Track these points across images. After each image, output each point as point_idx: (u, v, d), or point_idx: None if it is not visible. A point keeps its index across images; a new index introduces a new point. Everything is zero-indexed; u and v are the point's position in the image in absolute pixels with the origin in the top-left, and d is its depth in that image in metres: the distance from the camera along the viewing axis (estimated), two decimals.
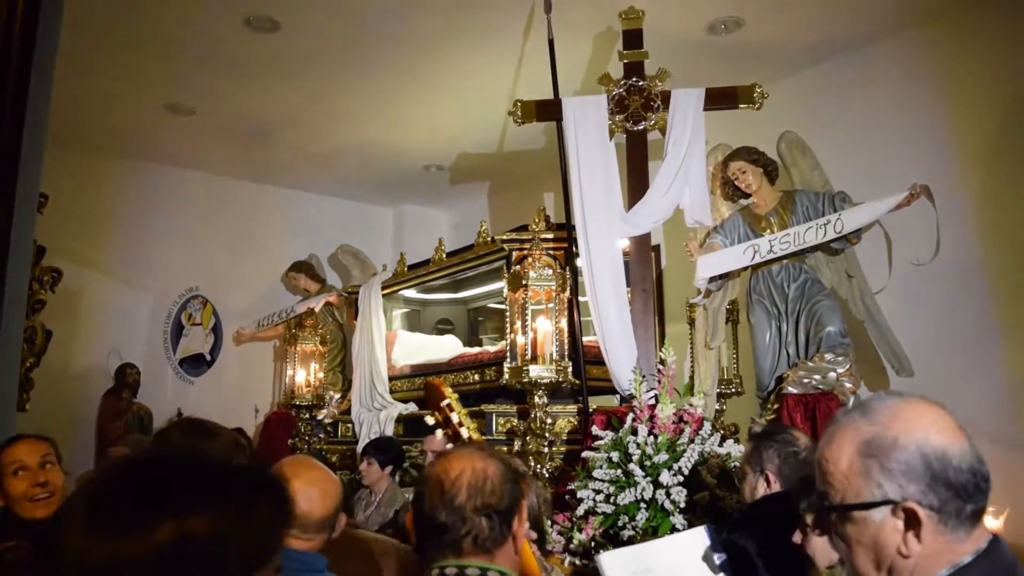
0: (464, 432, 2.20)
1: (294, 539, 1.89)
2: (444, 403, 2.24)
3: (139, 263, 7.77)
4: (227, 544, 0.87)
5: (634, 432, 4.02)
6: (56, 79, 2.21)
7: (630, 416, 4.12)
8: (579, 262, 4.81)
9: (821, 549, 2.03)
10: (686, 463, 3.79)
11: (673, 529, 3.57)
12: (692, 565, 2.06)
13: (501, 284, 5.23)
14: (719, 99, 4.78)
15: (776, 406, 4.46)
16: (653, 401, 4.15)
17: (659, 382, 4.20)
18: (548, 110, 4.90)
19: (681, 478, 3.77)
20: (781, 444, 2.54)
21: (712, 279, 4.86)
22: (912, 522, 1.24)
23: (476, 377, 5.58)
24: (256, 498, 0.92)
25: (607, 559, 2.09)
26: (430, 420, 2.32)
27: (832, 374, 4.38)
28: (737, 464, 3.32)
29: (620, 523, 3.79)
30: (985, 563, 1.25)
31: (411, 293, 7.03)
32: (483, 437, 5.04)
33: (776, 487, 2.49)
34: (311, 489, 1.94)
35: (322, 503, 1.94)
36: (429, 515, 1.68)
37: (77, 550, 0.82)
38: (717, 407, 4.88)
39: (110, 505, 0.86)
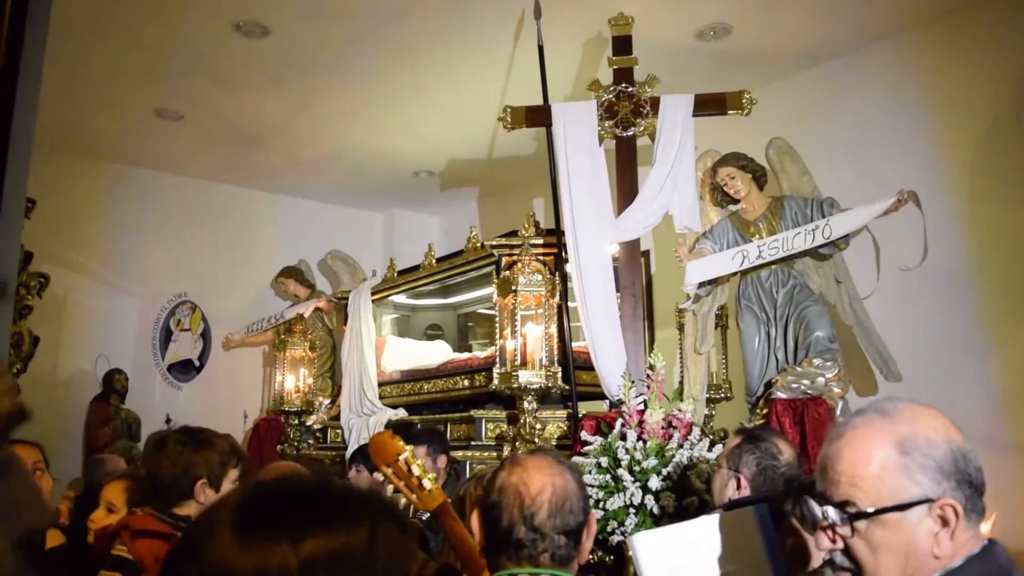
0: (427, 484, 2.10)
1: None
2: (401, 456, 2.10)
3: (127, 268, 7.74)
4: (356, 564, 0.94)
5: (623, 437, 4.02)
6: (43, 83, 2.19)
7: (619, 421, 4.12)
8: (568, 267, 4.81)
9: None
10: (675, 468, 3.80)
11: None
12: (732, 547, 1.99)
13: (491, 290, 5.23)
14: (708, 105, 4.79)
15: (765, 411, 4.47)
16: (642, 406, 4.15)
17: (648, 387, 4.20)
18: (538, 116, 4.90)
19: (670, 483, 3.77)
20: (763, 453, 2.52)
21: (701, 284, 4.86)
22: (947, 520, 1.22)
23: (466, 383, 5.57)
24: (381, 522, 0.98)
25: (640, 540, 2.02)
26: (379, 477, 2.17)
27: (821, 379, 4.39)
28: None
29: (609, 528, 3.79)
30: (977, 566, 1.23)
31: (401, 299, 7.02)
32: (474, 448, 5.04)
33: (745, 492, 2.47)
34: None
35: None
36: (507, 529, 1.68)
37: (226, 563, 0.89)
38: (706, 412, 4.89)
39: (259, 520, 0.93)
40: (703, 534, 1.99)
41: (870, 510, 1.25)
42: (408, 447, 2.11)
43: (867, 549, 1.26)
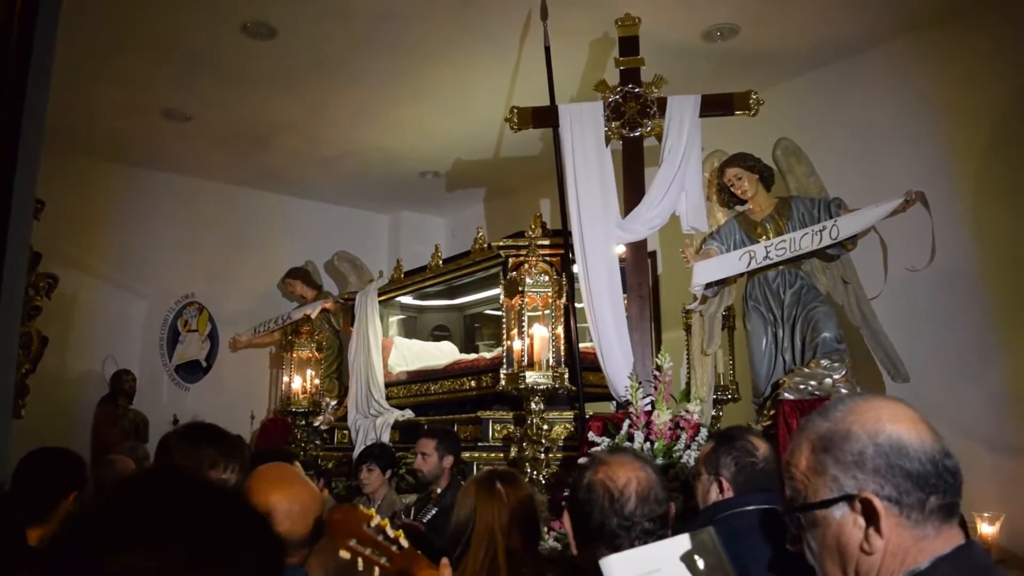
0: (403, 542, 1.93)
1: None
2: (372, 524, 1.91)
3: (135, 269, 7.77)
4: None
5: (630, 438, 4.02)
6: (53, 85, 2.20)
7: (626, 422, 4.12)
8: (575, 268, 4.81)
9: None
10: (682, 469, 3.79)
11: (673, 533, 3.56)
12: (703, 563, 2.00)
13: (497, 290, 5.24)
14: (715, 106, 4.79)
15: (772, 412, 4.45)
16: (649, 407, 4.15)
17: (655, 388, 4.20)
18: (544, 117, 4.91)
19: (677, 484, 3.77)
20: (740, 452, 2.50)
21: (708, 285, 4.85)
22: (871, 515, 1.19)
23: (472, 383, 5.58)
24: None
25: (614, 562, 2.01)
26: (346, 555, 1.94)
27: (828, 380, 4.38)
28: None
29: None
30: (946, 567, 1.18)
31: (407, 299, 7.03)
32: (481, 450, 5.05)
33: (728, 494, 2.46)
34: (293, 506, 1.93)
35: (304, 521, 1.94)
36: (599, 522, 1.85)
37: None
38: (713, 413, 4.88)
39: None
40: (673, 554, 2.00)
41: (798, 506, 1.28)
42: (373, 511, 1.98)
43: (814, 546, 1.28)
